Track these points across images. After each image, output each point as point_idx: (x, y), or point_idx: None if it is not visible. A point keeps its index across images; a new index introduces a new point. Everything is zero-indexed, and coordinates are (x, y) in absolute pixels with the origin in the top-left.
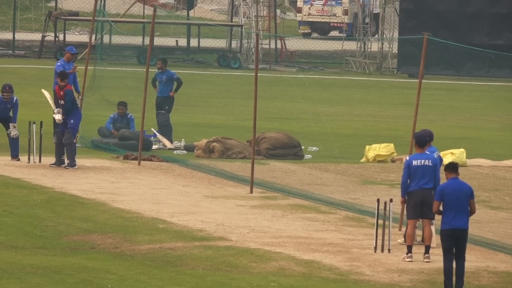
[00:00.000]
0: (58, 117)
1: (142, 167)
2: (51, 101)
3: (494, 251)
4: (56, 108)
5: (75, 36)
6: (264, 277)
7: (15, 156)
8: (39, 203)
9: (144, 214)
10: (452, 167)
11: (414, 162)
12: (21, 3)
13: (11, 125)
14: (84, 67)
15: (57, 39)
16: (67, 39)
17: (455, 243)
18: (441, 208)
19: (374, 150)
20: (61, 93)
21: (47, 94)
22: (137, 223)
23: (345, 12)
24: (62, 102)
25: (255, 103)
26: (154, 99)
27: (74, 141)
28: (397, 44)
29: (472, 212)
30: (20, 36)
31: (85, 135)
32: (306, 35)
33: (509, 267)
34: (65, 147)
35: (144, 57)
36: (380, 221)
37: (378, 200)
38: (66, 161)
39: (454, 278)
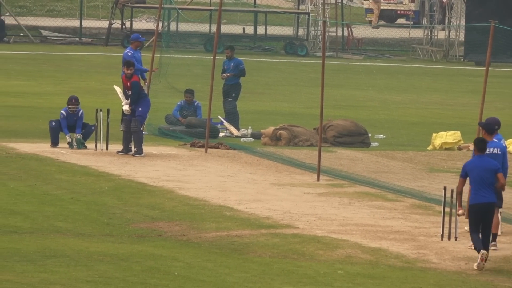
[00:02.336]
0: (126, 107)
1: (209, 155)
2: (121, 95)
3: None
4: (125, 98)
5: (142, 24)
6: (330, 264)
7: (54, 143)
8: (106, 190)
9: (211, 201)
10: (481, 146)
11: None
12: None
13: (73, 135)
14: (151, 55)
15: (124, 26)
16: (134, 26)
17: (482, 217)
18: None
19: (441, 137)
20: (128, 84)
21: (118, 89)
22: (204, 210)
23: (412, 0)
24: (130, 92)
25: (322, 90)
26: (221, 86)
27: (141, 129)
28: (463, 31)
29: (502, 185)
30: (87, 23)
31: (152, 122)
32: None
33: None
34: (132, 135)
35: (211, 45)
36: (447, 209)
37: (445, 188)
38: (134, 149)
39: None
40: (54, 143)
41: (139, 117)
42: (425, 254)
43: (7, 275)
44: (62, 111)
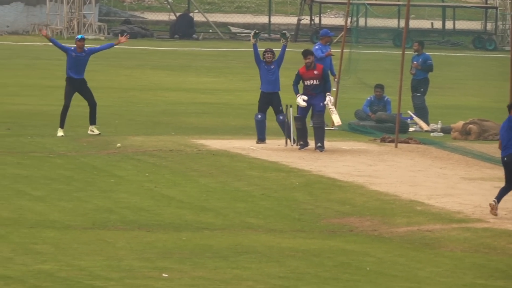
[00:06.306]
0: (301, 101)
1: (399, 150)
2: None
3: None
4: (297, 92)
5: (330, 19)
6: None
7: (260, 139)
8: (297, 186)
9: (401, 196)
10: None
11: None
12: None
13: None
14: (340, 50)
15: (312, 22)
16: (322, 22)
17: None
18: None
19: None
20: (315, 72)
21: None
22: (394, 205)
23: None
24: (313, 82)
25: (511, 84)
26: (409, 81)
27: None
28: None
29: None
30: (276, 19)
31: (342, 118)
32: None
33: None
34: (315, 131)
35: (399, 40)
36: None
37: None
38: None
39: None
40: (261, 139)
41: (321, 112)
42: None
43: (199, 271)
44: None
